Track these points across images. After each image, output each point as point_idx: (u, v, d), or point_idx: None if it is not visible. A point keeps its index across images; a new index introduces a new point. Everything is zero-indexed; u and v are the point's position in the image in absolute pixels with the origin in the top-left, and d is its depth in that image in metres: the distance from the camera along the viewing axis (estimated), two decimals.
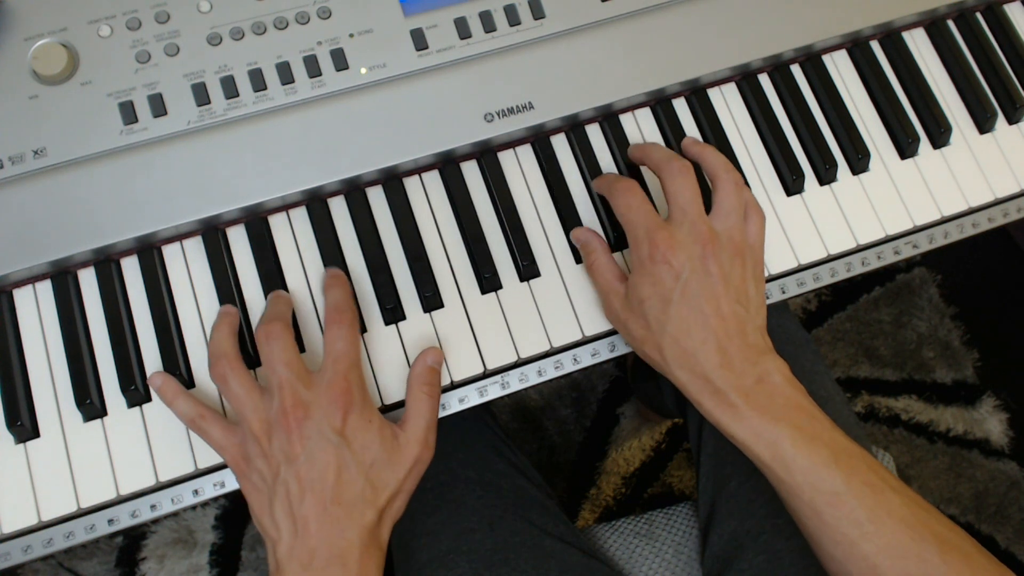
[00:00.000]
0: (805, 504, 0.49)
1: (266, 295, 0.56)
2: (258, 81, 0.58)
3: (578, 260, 0.60)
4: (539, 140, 0.62)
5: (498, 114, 0.59)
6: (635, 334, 0.54)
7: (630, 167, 0.61)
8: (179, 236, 0.58)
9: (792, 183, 0.62)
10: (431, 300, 0.57)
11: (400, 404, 0.56)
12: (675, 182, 0.54)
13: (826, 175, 0.63)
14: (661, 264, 0.51)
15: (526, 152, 0.62)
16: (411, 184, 0.60)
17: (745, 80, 0.64)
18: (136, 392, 0.54)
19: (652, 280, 0.52)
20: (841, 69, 0.66)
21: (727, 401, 0.50)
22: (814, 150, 0.63)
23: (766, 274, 0.60)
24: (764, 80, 0.65)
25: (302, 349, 0.56)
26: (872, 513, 0.48)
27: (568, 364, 0.59)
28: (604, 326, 0.58)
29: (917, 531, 0.48)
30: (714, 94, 0.64)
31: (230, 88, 0.58)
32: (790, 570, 0.65)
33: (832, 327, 1.36)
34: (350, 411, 0.49)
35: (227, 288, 0.56)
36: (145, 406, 0.55)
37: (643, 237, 0.52)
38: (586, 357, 0.59)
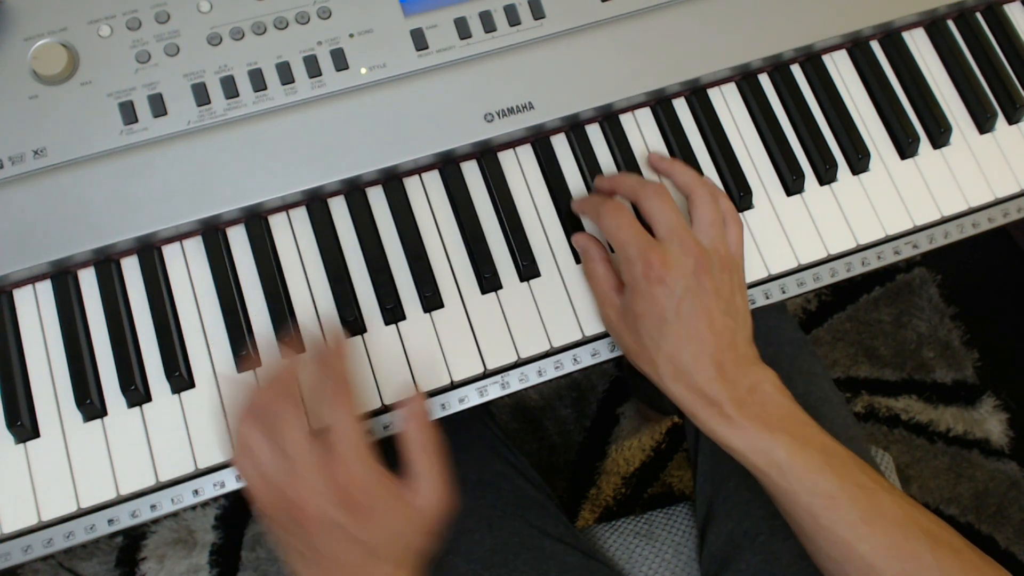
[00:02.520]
0: (802, 508, 0.50)
1: (266, 295, 0.56)
2: (258, 81, 0.58)
3: (578, 260, 0.60)
4: (539, 140, 0.62)
5: (498, 114, 0.59)
6: (629, 347, 0.54)
7: (630, 169, 0.61)
8: (179, 236, 0.58)
9: (792, 183, 0.62)
10: (431, 300, 0.57)
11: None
12: (653, 204, 0.54)
13: (826, 175, 0.63)
14: (656, 284, 0.51)
15: (526, 152, 0.62)
16: (411, 184, 0.60)
17: (745, 80, 0.64)
18: (136, 392, 0.54)
19: (647, 299, 0.52)
20: (841, 69, 0.66)
21: (722, 412, 0.51)
22: (814, 150, 0.63)
23: (766, 274, 0.60)
24: (764, 80, 0.65)
25: (303, 349, 0.56)
26: (866, 514, 0.49)
27: (568, 364, 0.59)
28: (604, 326, 0.58)
29: (909, 530, 0.49)
30: (714, 94, 0.64)
31: (230, 88, 0.58)
32: (787, 570, 0.65)
33: (832, 327, 1.36)
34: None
35: (227, 288, 0.56)
36: (145, 406, 0.55)
37: (636, 256, 0.52)
38: (586, 357, 0.59)
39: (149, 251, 0.57)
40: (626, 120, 0.63)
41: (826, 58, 0.66)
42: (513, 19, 0.61)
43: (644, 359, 0.53)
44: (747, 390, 0.51)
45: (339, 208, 0.59)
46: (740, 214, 0.61)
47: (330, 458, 0.46)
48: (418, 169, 0.61)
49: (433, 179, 0.61)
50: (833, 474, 0.50)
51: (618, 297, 0.55)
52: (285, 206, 0.59)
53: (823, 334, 1.36)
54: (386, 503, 0.47)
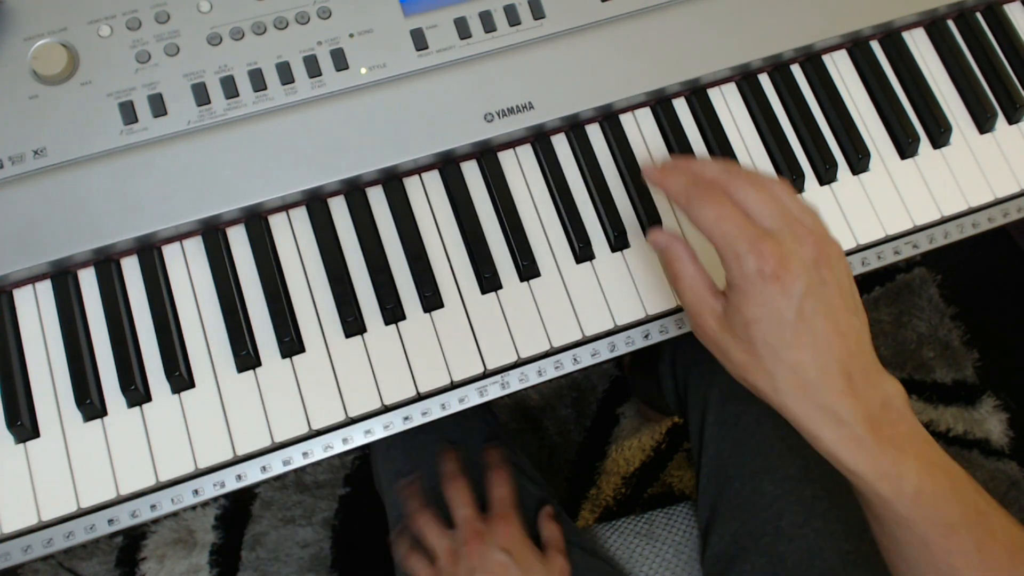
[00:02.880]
0: (916, 537, 0.45)
1: (266, 295, 0.56)
2: (258, 81, 0.58)
3: (578, 260, 0.60)
4: (539, 140, 0.62)
5: (498, 114, 0.59)
6: (736, 359, 0.46)
7: (630, 168, 0.61)
8: (179, 236, 0.58)
9: (792, 183, 0.62)
10: (431, 300, 0.57)
11: (400, 404, 0.57)
12: (750, 195, 0.46)
13: (826, 175, 0.63)
14: (772, 281, 0.43)
15: (526, 152, 0.62)
16: (411, 184, 0.60)
17: (745, 80, 0.64)
18: (136, 392, 0.54)
19: (761, 300, 0.44)
20: (841, 69, 0.66)
21: (852, 433, 0.44)
22: (814, 150, 0.63)
23: None
24: (764, 80, 0.65)
25: (302, 349, 0.56)
26: (980, 542, 0.45)
27: (568, 364, 0.59)
28: (604, 326, 0.58)
29: (1017, 554, 0.46)
30: (714, 94, 0.64)
31: (230, 88, 0.58)
32: (793, 572, 0.65)
33: None
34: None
35: (227, 288, 0.56)
36: (145, 406, 0.55)
37: (746, 250, 0.44)
38: (586, 357, 0.59)
39: (149, 251, 0.57)
40: (626, 120, 0.63)
41: (826, 58, 0.66)
42: (513, 19, 0.61)
43: (759, 373, 0.45)
44: (879, 406, 0.45)
45: (339, 208, 0.59)
46: None
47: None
48: (418, 169, 0.61)
49: (433, 179, 0.61)
50: (957, 502, 0.45)
51: (718, 303, 0.47)
52: (285, 206, 0.59)
53: None
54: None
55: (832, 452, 0.45)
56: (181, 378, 0.54)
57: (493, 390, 0.58)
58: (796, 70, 0.66)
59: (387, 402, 0.56)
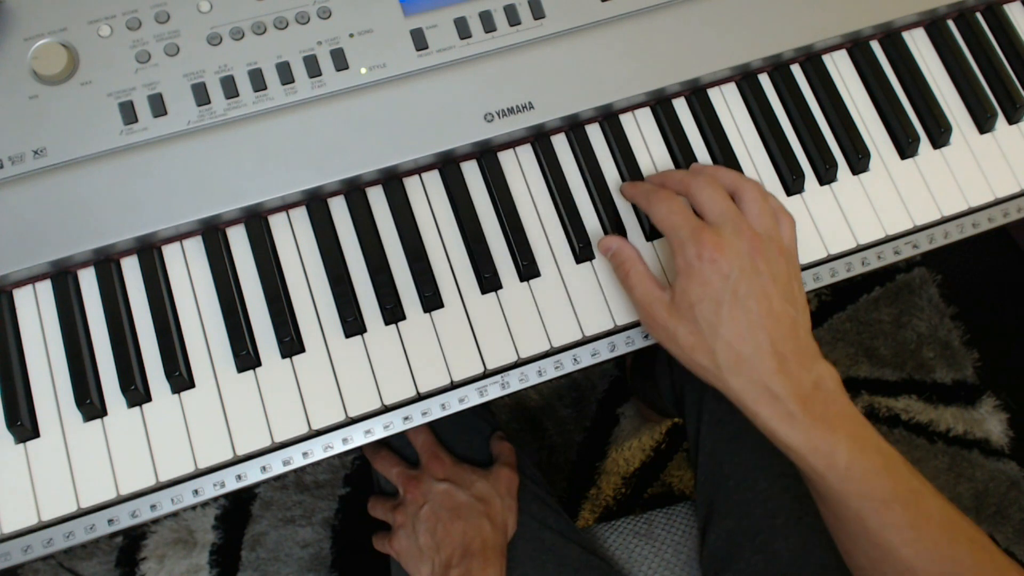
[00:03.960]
0: (851, 511, 0.49)
1: (266, 295, 0.56)
2: (258, 81, 0.58)
3: (578, 260, 0.60)
4: (539, 140, 0.62)
5: (498, 114, 0.59)
6: (684, 341, 0.51)
7: (630, 169, 0.61)
8: (179, 236, 0.58)
9: (792, 183, 0.62)
10: (431, 300, 0.57)
11: (400, 404, 0.57)
12: (704, 193, 0.53)
13: (826, 175, 0.63)
14: (709, 264, 0.50)
15: (526, 152, 0.62)
16: (411, 184, 0.60)
17: (745, 80, 0.64)
18: (136, 392, 0.54)
19: (701, 281, 0.50)
20: (841, 69, 0.66)
21: (785, 409, 0.49)
22: (814, 150, 0.63)
23: None
24: (764, 80, 0.65)
25: (302, 349, 0.56)
26: (915, 519, 0.48)
27: (568, 364, 0.59)
28: (604, 326, 0.58)
29: (953, 534, 0.49)
30: (714, 94, 0.64)
31: (230, 88, 0.58)
32: (787, 568, 0.66)
33: (832, 327, 1.36)
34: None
35: (227, 288, 0.56)
36: (145, 406, 0.55)
37: (688, 238, 0.51)
38: (586, 357, 0.59)
39: (149, 251, 0.57)
40: (626, 120, 0.63)
41: (826, 58, 0.66)
42: (513, 19, 0.61)
43: (702, 350, 0.50)
44: (811, 386, 0.49)
45: (339, 208, 0.59)
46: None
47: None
48: (418, 169, 0.61)
49: (433, 179, 0.61)
50: (889, 478, 0.49)
51: (665, 293, 0.53)
52: (285, 206, 0.59)
53: (823, 334, 1.36)
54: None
55: (769, 427, 0.49)
56: (181, 378, 0.54)
57: (493, 390, 0.58)
58: (796, 70, 0.66)
59: (387, 402, 0.56)
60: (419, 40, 0.60)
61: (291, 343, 0.56)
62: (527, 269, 0.59)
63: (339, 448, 0.56)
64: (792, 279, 0.52)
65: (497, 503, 0.69)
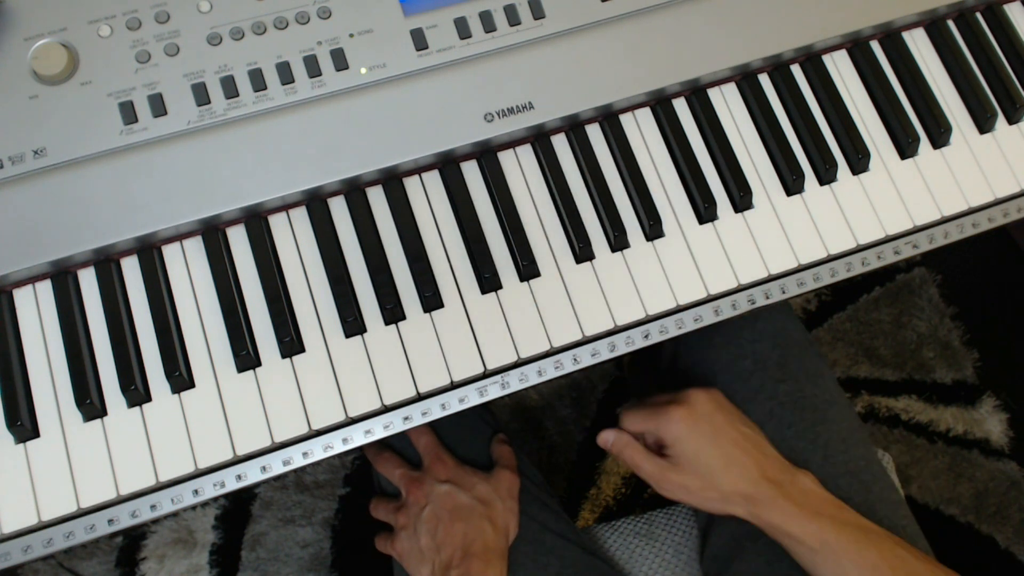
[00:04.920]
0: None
1: (266, 295, 0.56)
2: (258, 81, 0.58)
3: (578, 260, 0.60)
4: (539, 140, 0.62)
5: (498, 114, 0.59)
6: (695, 490, 0.65)
7: (630, 168, 0.61)
8: (179, 236, 0.58)
9: (792, 183, 0.62)
10: (431, 300, 0.57)
11: (400, 404, 0.57)
12: (669, 431, 0.67)
13: (826, 175, 0.63)
14: (690, 421, 0.66)
15: (526, 152, 0.62)
16: (411, 184, 0.60)
17: (745, 80, 0.64)
18: (136, 392, 0.54)
19: (687, 441, 0.65)
20: (841, 69, 0.66)
21: (777, 505, 0.62)
22: (814, 150, 0.63)
23: (766, 274, 0.60)
24: (764, 80, 0.65)
25: (302, 349, 0.56)
26: None
27: (568, 364, 0.59)
28: (604, 326, 0.58)
29: None
30: (714, 94, 0.64)
31: (230, 88, 0.58)
32: (789, 570, 0.65)
33: (832, 327, 1.36)
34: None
35: (227, 288, 0.56)
36: (145, 406, 0.55)
37: (672, 433, 0.66)
38: (586, 357, 0.59)
39: (149, 251, 0.57)
40: (626, 120, 0.63)
41: (826, 58, 0.66)
42: (513, 19, 0.61)
43: (712, 498, 0.64)
44: (791, 485, 0.64)
45: (339, 208, 0.59)
46: (740, 214, 0.61)
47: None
48: (418, 169, 0.61)
49: (433, 179, 0.61)
50: (874, 548, 0.60)
51: (667, 460, 0.66)
52: (285, 206, 0.59)
53: (823, 334, 1.36)
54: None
55: (773, 521, 0.62)
56: (181, 378, 0.54)
57: (493, 390, 0.58)
58: (796, 70, 0.66)
59: (387, 402, 0.56)
60: (419, 40, 0.60)
61: (291, 343, 0.56)
62: (527, 269, 0.59)
63: (339, 448, 0.56)
64: (738, 421, 0.67)
65: (499, 505, 0.69)
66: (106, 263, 0.57)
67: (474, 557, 0.65)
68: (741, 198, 0.61)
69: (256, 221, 0.58)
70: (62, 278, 0.56)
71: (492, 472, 0.72)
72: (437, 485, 0.69)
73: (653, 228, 0.60)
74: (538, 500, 0.74)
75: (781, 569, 0.66)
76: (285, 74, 0.58)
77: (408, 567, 0.69)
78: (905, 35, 0.67)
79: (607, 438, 0.69)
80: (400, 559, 0.70)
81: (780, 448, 0.68)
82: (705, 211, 0.61)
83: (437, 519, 0.67)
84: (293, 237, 0.59)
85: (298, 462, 0.56)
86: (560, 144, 0.62)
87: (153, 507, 0.54)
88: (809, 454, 0.69)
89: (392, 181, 0.60)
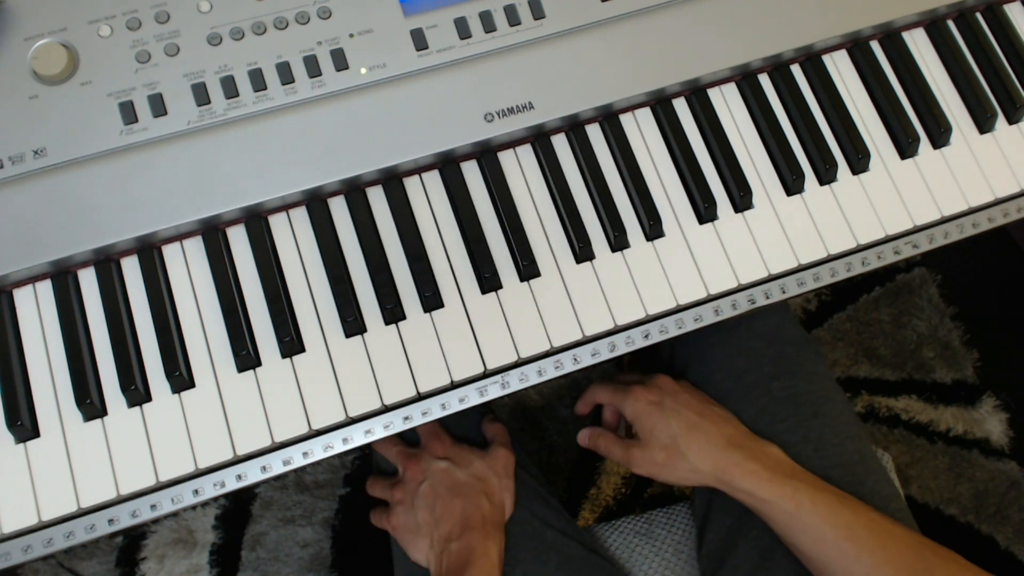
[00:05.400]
0: (828, 542, 0.60)
1: (266, 295, 0.56)
2: (258, 81, 0.58)
3: (578, 260, 0.60)
4: (539, 140, 0.62)
5: (498, 114, 0.59)
6: (660, 460, 0.68)
7: (630, 168, 0.61)
8: (179, 236, 0.58)
9: (792, 183, 0.62)
10: (431, 300, 0.57)
11: (400, 404, 0.57)
12: (628, 406, 0.71)
13: (826, 175, 0.63)
14: (657, 408, 0.69)
15: (526, 152, 0.62)
16: (411, 184, 0.60)
17: (745, 80, 0.64)
18: (136, 392, 0.54)
19: (653, 421, 0.69)
20: (841, 69, 0.66)
21: (748, 470, 0.64)
22: (814, 150, 0.63)
23: (766, 274, 0.60)
24: (764, 80, 0.65)
25: (302, 349, 0.56)
26: (882, 539, 0.59)
27: (568, 364, 0.59)
28: (604, 326, 0.58)
29: (921, 550, 0.59)
30: (714, 94, 0.64)
31: (230, 88, 0.58)
32: (780, 563, 0.66)
33: (832, 327, 1.36)
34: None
35: (227, 288, 0.56)
36: (145, 406, 0.55)
37: (632, 409, 0.71)
38: (586, 357, 0.59)
39: (149, 251, 0.57)
40: (626, 120, 0.63)
41: (826, 58, 0.66)
42: (513, 19, 0.61)
43: (684, 469, 0.67)
44: (762, 453, 0.66)
45: (339, 208, 0.59)
46: (740, 214, 0.61)
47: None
48: (418, 169, 0.61)
49: (433, 179, 0.61)
50: (849, 509, 0.61)
51: (637, 446, 0.70)
52: (285, 206, 0.59)
53: (823, 334, 1.36)
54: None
55: (745, 487, 0.64)
56: (181, 378, 0.54)
57: (493, 390, 0.58)
58: (796, 70, 0.66)
59: (387, 402, 0.56)
60: (419, 40, 0.60)
61: (291, 343, 0.56)
62: (527, 269, 0.59)
63: (339, 448, 0.56)
64: (706, 400, 0.71)
65: (494, 482, 0.70)
66: (106, 263, 0.57)
67: (473, 530, 0.66)
68: (741, 198, 0.61)
69: (256, 221, 0.58)
70: (62, 278, 0.56)
71: (488, 450, 0.73)
72: (434, 462, 0.70)
73: (653, 228, 0.60)
74: (539, 496, 0.74)
75: (774, 563, 0.66)
76: (285, 74, 0.58)
77: (404, 541, 0.70)
78: (905, 35, 0.67)
79: (583, 435, 0.75)
80: (395, 533, 0.71)
81: (772, 442, 0.68)
82: (705, 211, 0.61)
83: (435, 494, 0.68)
84: (293, 237, 0.59)
85: (298, 462, 0.56)
86: (560, 144, 0.62)
87: (153, 507, 0.54)
88: (801, 447, 0.69)
89: (392, 181, 0.60)
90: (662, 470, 0.68)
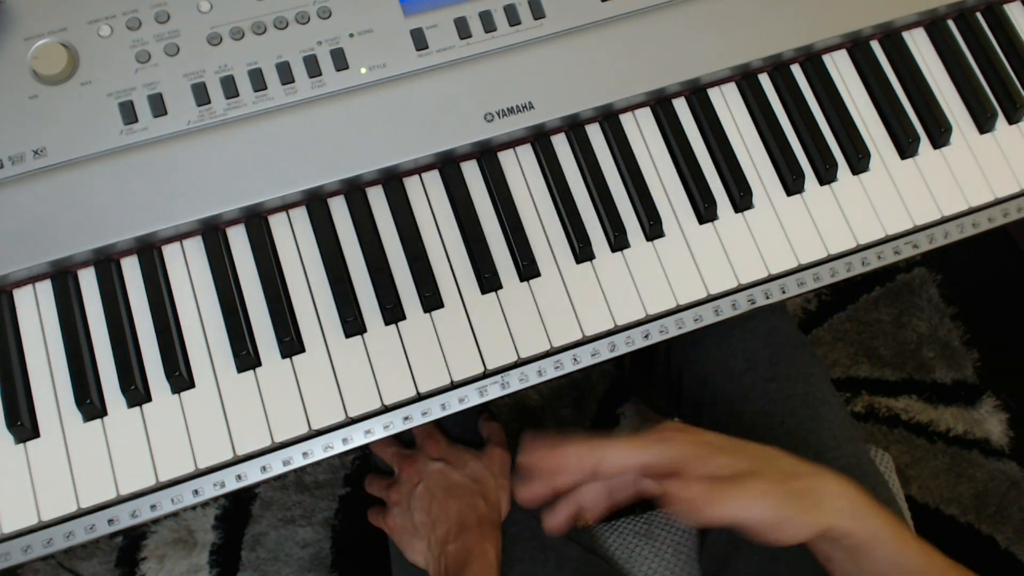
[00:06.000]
0: (885, 561, 0.52)
1: (266, 295, 0.56)
2: (258, 81, 0.58)
3: (578, 260, 0.60)
4: (539, 140, 0.62)
5: (498, 114, 0.59)
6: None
7: (630, 168, 0.61)
8: (179, 236, 0.58)
9: (792, 183, 0.62)
10: (431, 300, 0.57)
11: (400, 404, 0.57)
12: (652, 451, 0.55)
13: (826, 175, 0.63)
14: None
15: (526, 152, 0.62)
16: (411, 184, 0.60)
17: (745, 80, 0.64)
18: (136, 392, 0.54)
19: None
20: (841, 69, 0.66)
21: (797, 498, 0.53)
22: (814, 150, 0.63)
23: (766, 274, 0.60)
24: (764, 80, 0.65)
25: (302, 349, 0.56)
26: (929, 561, 0.52)
27: (568, 364, 0.59)
28: (604, 326, 0.58)
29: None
30: (714, 94, 0.64)
31: (230, 88, 0.58)
32: (786, 567, 0.66)
33: (832, 327, 1.36)
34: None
35: (227, 288, 0.56)
36: (145, 406, 0.55)
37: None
38: (586, 357, 0.59)
39: (149, 251, 0.57)
40: (626, 120, 0.63)
41: (826, 58, 0.66)
42: (513, 19, 0.61)
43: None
44: (808, 477, 0.54)
45: (339, 208, 0.59)
46: (740, 214, 0.61)
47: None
48: (418, 169, 0.60)
49: (433, 179, 0.61)
50: (904, 529, 0.52)
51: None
52: (285, 206, 0.59)
53: (823, 334, 1.36)
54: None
55: (797, 521, 0.52)
56: (181, 378, 0.54)
57: (493, 390, 0.58)
58: (796, 70, 0.66)
59: (387, 402, 0.56)
60: (419, 40, 0.60)
61: (291, 343, 0.56)
62: (527, 269, 0.59)
63: (339, 448, 0.56)
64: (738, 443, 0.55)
65: (491, 482, 0.70)
66: (106, 263, 0.57)
67: (470, 530, 0.66)
68: (741, 198, 0.61)
69: (256, 221, 0.58)
70: (62, 278, 0.56)
71: (484, 450, 0.73)
72: (430, 463, 0.70)
73: (653, 228, 0.60)
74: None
75: (778, 565, 0.66)
76: (285, 74, 0.58)
77: (400, 542, 0.70)
78: (905, 35, 0.67)
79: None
80: (392, 534, 0.71)
81: (773, 440, 0.68)
82: (705, 211, 0.61)
83: (431, 496, 0.68)
84: (293, 237, 0.59)
85: (298, 462, 0.56)
86: (560, 144, 0.62)
87: (153, 507, 0.54)
88: (798, 451, 0.69)
89: (392, 181, 0.60)
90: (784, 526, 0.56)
